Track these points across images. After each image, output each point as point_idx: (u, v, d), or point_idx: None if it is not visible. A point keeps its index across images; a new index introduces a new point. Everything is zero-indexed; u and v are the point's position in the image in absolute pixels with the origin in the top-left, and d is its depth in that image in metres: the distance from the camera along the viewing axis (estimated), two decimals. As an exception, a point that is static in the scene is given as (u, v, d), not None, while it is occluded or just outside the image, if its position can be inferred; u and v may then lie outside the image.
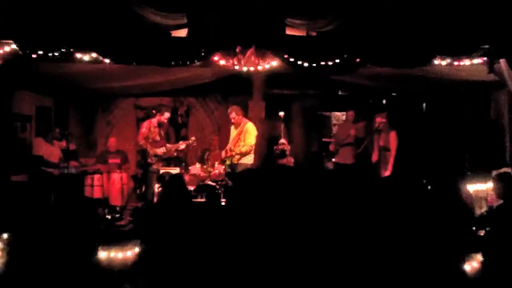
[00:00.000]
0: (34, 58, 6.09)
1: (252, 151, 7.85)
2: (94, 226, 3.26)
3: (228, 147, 8.02)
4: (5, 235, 5.65)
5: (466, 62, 6.59)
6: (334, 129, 10.54)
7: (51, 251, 3.35)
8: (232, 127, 8.14)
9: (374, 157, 8.01)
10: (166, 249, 3.82)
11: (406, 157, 7.65)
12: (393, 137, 7.60)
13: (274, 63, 6.88)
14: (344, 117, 9.21)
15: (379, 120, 7.80)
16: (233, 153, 7.82)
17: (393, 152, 7.52)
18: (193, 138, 8.88)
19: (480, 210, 6.73)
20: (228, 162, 8.02)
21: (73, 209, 3.40)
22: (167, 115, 8.42)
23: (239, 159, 7.80)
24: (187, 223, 3.95)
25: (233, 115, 7.96)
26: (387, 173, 7.47)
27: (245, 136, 7.81)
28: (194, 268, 3.61)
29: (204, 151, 9.68)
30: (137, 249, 5.47)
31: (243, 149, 7.74)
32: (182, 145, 8.69)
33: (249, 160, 7.81)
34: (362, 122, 8.74)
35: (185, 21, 6.21)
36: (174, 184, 4.55)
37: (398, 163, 7.48)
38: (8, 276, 3.95)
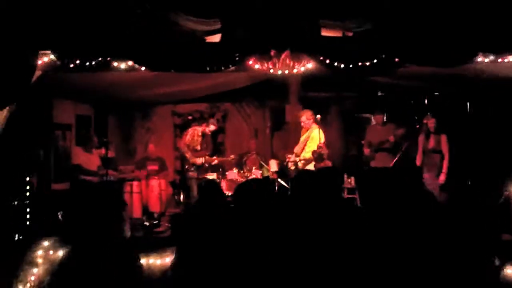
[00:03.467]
0: (72, 67, 6.18)
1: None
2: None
3: (295, 150, 7.72)
4: (46, 243, 5.77)
5: (511, 58, 6.33)
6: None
7: (91, 260, 3.33)
8: (302, 131, 7.82)
9: (418, 161, 7.71)
10: (203, 256, 3.76)
11: (458, 160, 7.43)
12: (444, 140, 7.35)
13: (309, 65, 6.74)
14: (384, 119, 8.87)
15: (431, 121, 7.49)
16: (297, 159, 7.55)
17: (446, 155, 7.28)
18: (232, 156, 9.00)
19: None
20: (292, 168, 7.68)
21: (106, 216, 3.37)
22: (212, 127, 8.46)
23: (304, 165, 7.54)
24: (225, 229, 3.87)
25: (303, 118, 7.70)
26: (442, 177, 7.21)
27: (309, 143, 7.58)
28: (230, 275, 3.54)
29: (241, 156, 9.66)
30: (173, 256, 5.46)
31: (307, 156, 7.50)
32: (215, 161, 8.73)
33: (311, 167, 7.48)
34: (402, 129, 8.41)
35: (218, 26, 6.19)
36: (209, 190, 4.48)
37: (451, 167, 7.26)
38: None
